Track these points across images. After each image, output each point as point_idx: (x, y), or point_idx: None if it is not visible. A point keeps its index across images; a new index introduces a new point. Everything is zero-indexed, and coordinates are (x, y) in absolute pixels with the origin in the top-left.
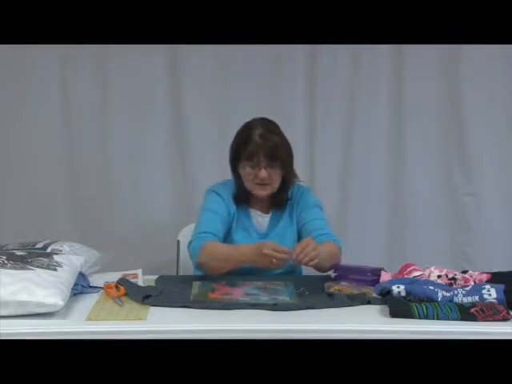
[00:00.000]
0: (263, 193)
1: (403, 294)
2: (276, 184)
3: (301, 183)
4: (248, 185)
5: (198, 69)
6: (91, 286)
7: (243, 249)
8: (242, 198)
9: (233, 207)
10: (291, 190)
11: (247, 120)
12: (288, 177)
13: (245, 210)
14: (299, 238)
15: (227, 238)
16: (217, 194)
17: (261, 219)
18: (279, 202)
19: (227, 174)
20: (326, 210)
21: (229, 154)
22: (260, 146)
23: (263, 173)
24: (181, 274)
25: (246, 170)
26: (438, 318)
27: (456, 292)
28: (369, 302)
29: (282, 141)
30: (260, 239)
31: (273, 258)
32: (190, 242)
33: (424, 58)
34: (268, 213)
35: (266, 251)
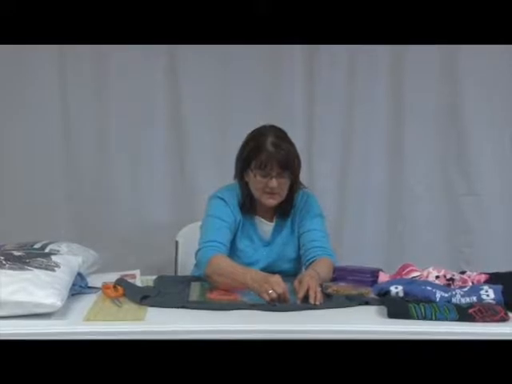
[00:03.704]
0: (272, 202)
1: (401, 294)
2: (284, 193)
3: (306, 190)
4: (257, 193)
5: (197, 69)
6: (89, 287)
7: (247, 275)
8: (249, 205)
9: (239, 215)
10: (295, 196)
11: (246, 120)
12: (295, 185)
13: (250, 218)
14: (298, 244)
15: (231, 245)
16: (223, 200)
17: (265, 227)
18: (285, 210)
19: (226, 175)
20: (324, 211)
21: (236, 161)
22: (273, 155)
23: (274, 182)
24: (179, 274)
25: (256, 179)
26: (436, 319)
27: (454, 293)
28: (367, 303)
29: (293, 150)
30: (264, 247)
31: (271, 299)
32: (198, 251)
33: (423, 58)
34: (272, 221)
35: (270, 292)
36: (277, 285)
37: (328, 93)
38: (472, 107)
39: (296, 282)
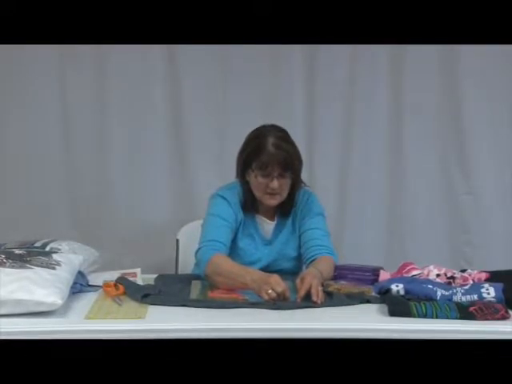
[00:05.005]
0: (273, 202)
1: (402, 292)
2: (285, 193)
3: (306, 188)
4: (258, 194)
5: (197, 69)
6: (90, 285)
7: (246, 276)
8: (250, 205)
9: (240, 214)
10: (296, 195)
11: (246, 120)
12: (296, 184)
13: (251, 217)
14: (299, 243)
15: (232, 244)
16: (224, 199)
17: (266, 226)
18: (286, 209)
19: (226, 174)
20: (325, 210)
21: (237, 160)
22: (274, 155)
23: (275, 183)
24: (180, 272)
25: (257, 180)
26: (436, 317)
27: (455, 291)
28: (368, 301)
29: (294, 150)
30: (264, 246)
31: (271, 298)
32: (198, 250)
33: (423, 58)
34: (273, 219)
35: (270, 292)
36: (277, 284)
37: (328, 93)
38: (472, 106)
39: (298, 280)
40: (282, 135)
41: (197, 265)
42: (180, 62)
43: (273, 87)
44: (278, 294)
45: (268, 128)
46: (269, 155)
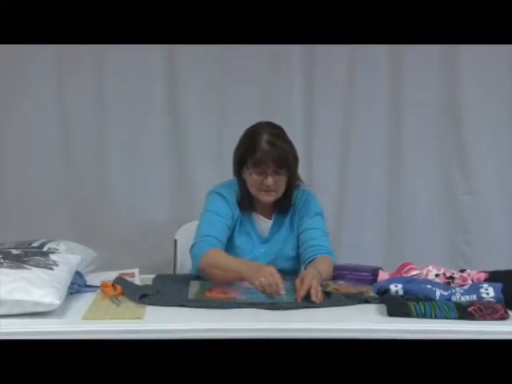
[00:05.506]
0: (269, 199)
1: (401, 292)
2: (281, 190)
3: (305, 187)
4: (253, 191)
5: (197, 69)
6: (88, 285)
7: (242, 265)
8: (247, 202)
9: (237, 211)
10: (295, 194)
11: (245, 120)
12: (292, 181)
13: (248, 215)
14: (298, 243)
15: (229, 242)
16: (221, 196)
17: (263, 224)
18: (283, 207)
19: (225, 174)
20: (324, 210)
21: (233, 158)
22: (268, 153)
23: (270, 180)
24: (178, 273)
25: (252, 177)
26: (435, 317)
27: (454, 291)
28: (366, 301)
29: (289, 147)
30: (261, 244)
31: (262, 286)
32: (193, 245)
33: (422, 57)
34: (271, 218)
35: (261, 279)
36: (269, 274)
37: (327, 93)
38: (471, 106)
39: (298, 281)
40: (277, 132)
41: (192, 259)
42: (180, 62)
43: (272, 87)
44: (270, 284)
45: (263, 125)
46: (262, 152)
